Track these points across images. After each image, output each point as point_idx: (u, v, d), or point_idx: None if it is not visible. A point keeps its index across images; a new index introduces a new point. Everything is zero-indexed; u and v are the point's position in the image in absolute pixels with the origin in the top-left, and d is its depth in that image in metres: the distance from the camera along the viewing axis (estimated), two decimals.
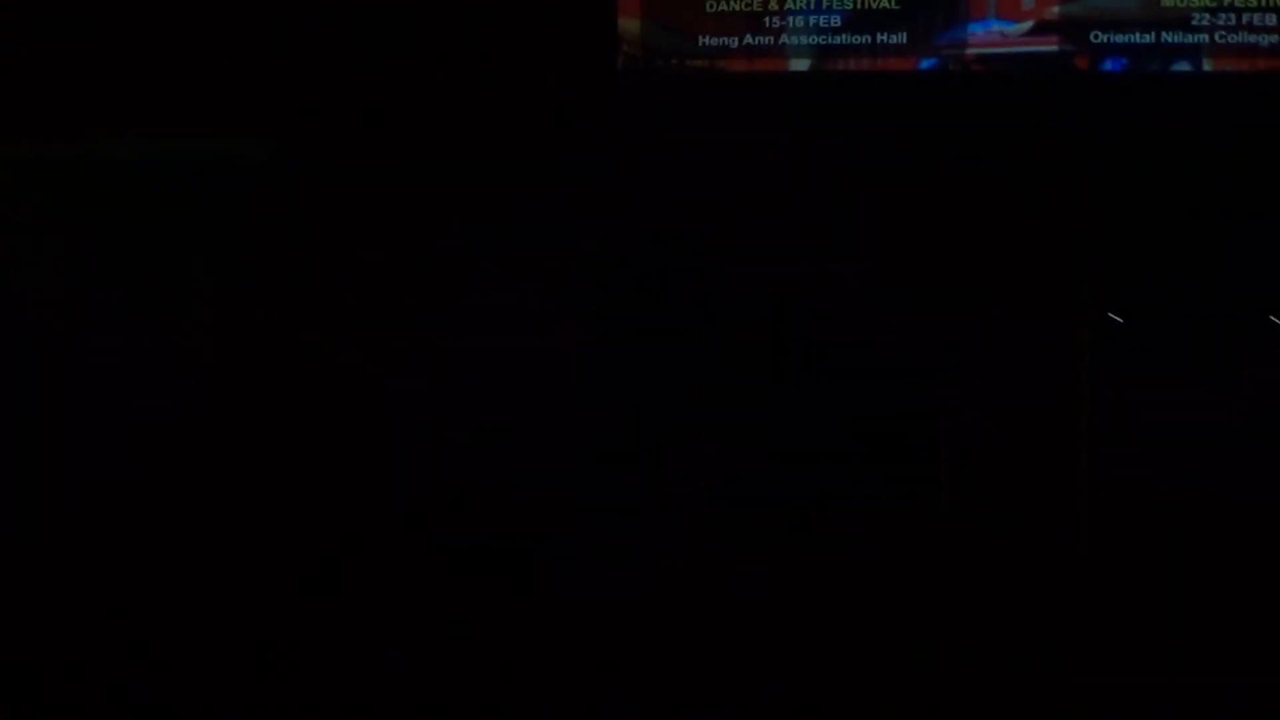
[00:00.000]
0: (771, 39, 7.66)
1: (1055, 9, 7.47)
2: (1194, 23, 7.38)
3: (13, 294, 8.06)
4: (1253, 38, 7.33)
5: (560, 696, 6.11)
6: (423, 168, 8.05)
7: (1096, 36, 7.45)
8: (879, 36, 7.60)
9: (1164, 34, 7.40)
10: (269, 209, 8.06)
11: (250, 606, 6.85)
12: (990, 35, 7.54)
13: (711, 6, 7.69)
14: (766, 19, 7.66)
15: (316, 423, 7.74)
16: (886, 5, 7.58)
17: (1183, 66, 7.40)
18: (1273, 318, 8.01)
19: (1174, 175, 7.75)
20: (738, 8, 7.67)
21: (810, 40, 7.64)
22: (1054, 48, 7.49)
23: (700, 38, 7.71)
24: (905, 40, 7.59)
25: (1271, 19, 7.31)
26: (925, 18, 7.57)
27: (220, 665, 6.28)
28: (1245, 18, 7.33)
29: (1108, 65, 7.45)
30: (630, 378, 7.98)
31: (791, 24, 7.65)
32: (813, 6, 7.62)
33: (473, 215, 8.04)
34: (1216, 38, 7.35)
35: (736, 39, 7.67)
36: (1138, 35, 7.42)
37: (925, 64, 7.60)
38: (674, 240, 8.02)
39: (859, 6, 7.60)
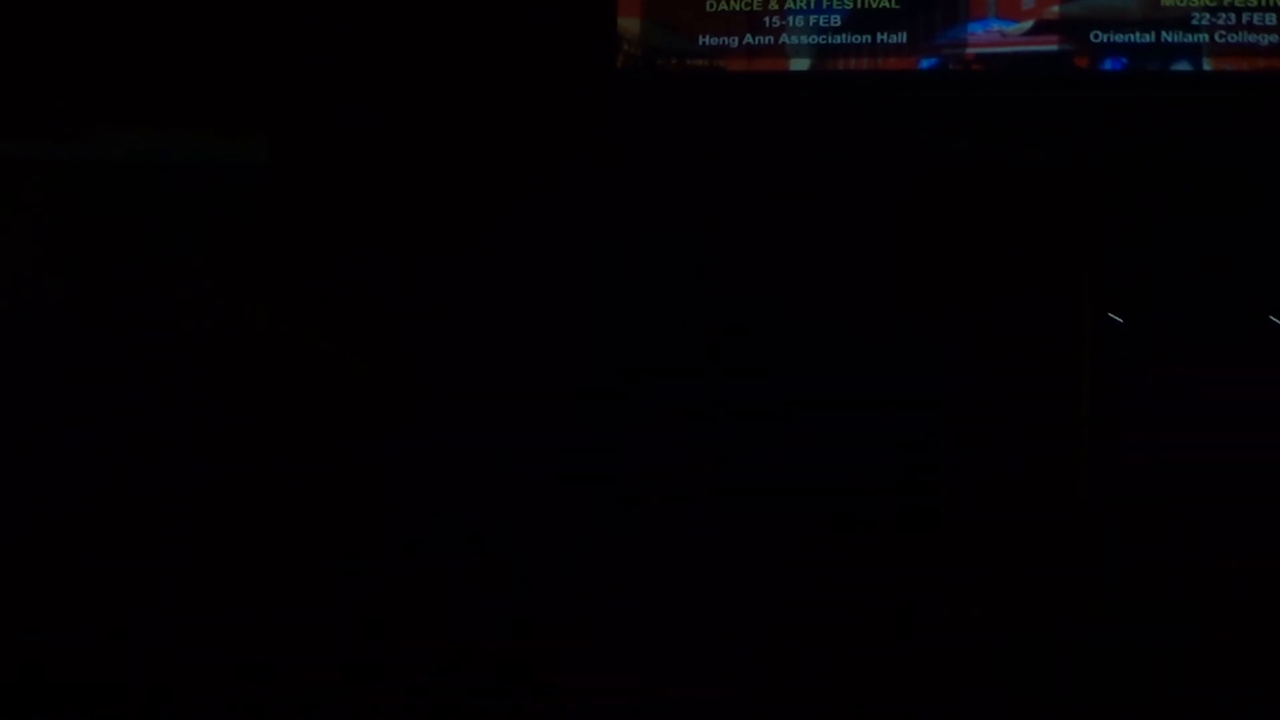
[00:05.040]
0: (771, 39, 7.66)
1: (1055, 9, 7.47)
2: (1194, 22, 7.38)
3: (11, 293, 8.06)
4: (1253, 38, 7.33)
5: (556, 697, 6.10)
6: (422, 167, 8.05)
7: (1096, 36, 7.45)
8: (879, 36, 7.60)
9: (1164, 33, 7.40)
10: (268, 209, 8.07)
11: (249, 604, 6.83)
12: (990, 35, 7.54)
13: (712, 6, 7.69)
14: (766, 19, 7.66)
15: (315, 422, 7.74)
16: (886, 5, 7.57)
17: (1182, 66, 7.40)
18: (1273, 318, 8.01)
19: (1174, 175, 7.76)
20: (738, 8, 7.67)
21: (810, 40, 7.64)
22: (1054, 47, 7.49)
23: (700, 38, 7.71)
24: (905, 40, 7.58)
25: (1271, 19, 7.31)
26: (925, 18, 7.57)
27: (220, 666, 6.27)
28: (1245, 18, 7.33)
29: (1107, 65, 7.45)
30: (629, 375, 7.99)
31: (791, 24, 7.65)
32: (813, 6, 7.62)
33: (472, 215, 8.04)
34: (1216, 37, 7.36)
35: (737, 39, 7.67)
36: (1137, 35, 7.42)
37: (925, 64, 7.60)
38: (674, 239, 8.03)
39: (859, 6, 7.59)
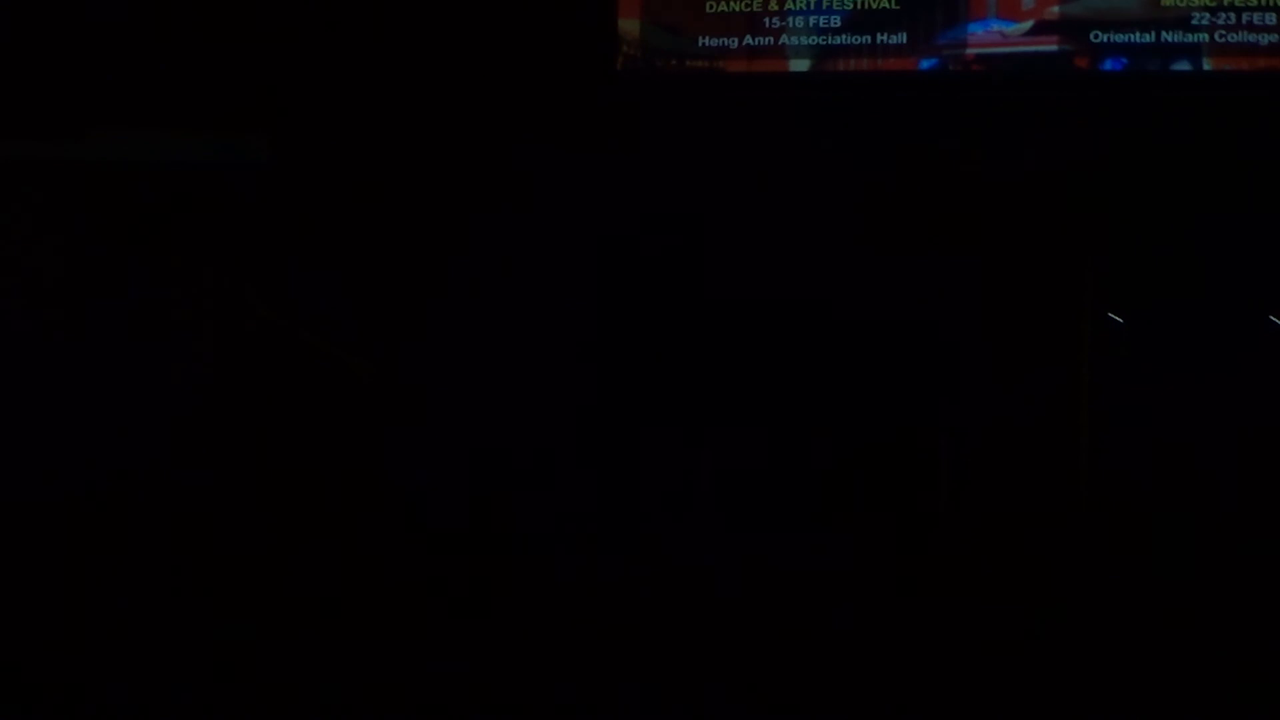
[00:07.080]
0: (771, 40, 7.66)
1: (1055, 9, 7.48)
2: (1194, 22, 7.38)
3: (12, 294, 8.06)
4: (1253, 37, 7.33)
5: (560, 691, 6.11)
6: (422, 167, 8.06)
7: (1096, 36, 7.46)
8: (879, 36, 7.60)
9: (1164, 34, 7.40)
10: (269, 209, 8.08)
11: (248, 604, 6.85)
12: (990, 35, 7.54)
13: (711, 7, 7.69)
14: (766, 20, 7.67)
15: (315, 421, 7.75)
16: (886, 5, 7.58)
17: (1182, 66, 7.40)
18: (1273, 318, 8.02)
19: (1174, 175, 7.76)
20: (738, 8, 7.68)
21: (810, 41, 7.64)
22: (1054, 48, 7.49)
23: (700, 38, 7.72)
24: (905, 40, 7.59)
25: (1271, 19, 7.31)
26: (925, 18, 7.58)
27: (222, 668, 6.28)
28: (1245, 17, 7.33)
29: (1107, 65, 7.46)
30: (629, 377, 7.99)
31: (791, 24, 7.66)
32: (812, 7, 7.63)
33: (472, 215, 8.04)
34: (1216, 37, 7.36)
35: (736, 40, 7.68)
36: (1137, 35, 7.42)
37: (925, 64, 7.60)
38: (674, 239, 8.03)
39: (859, 6, 7.60)
